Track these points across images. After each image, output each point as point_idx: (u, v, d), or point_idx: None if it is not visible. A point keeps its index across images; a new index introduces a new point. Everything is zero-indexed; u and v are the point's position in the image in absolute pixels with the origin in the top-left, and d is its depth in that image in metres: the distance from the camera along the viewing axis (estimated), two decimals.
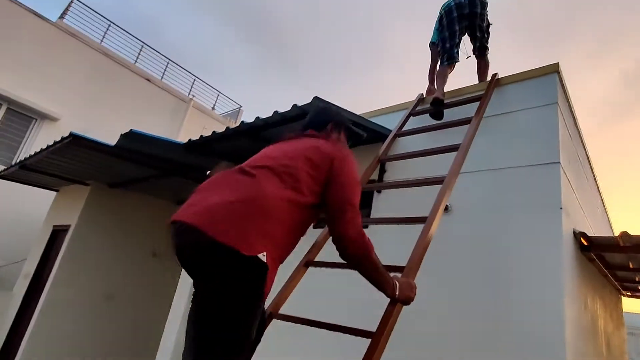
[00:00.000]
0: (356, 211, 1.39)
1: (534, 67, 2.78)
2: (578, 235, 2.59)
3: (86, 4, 10.08)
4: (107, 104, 9.20)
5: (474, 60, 3.40)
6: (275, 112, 2.96)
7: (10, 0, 7.95)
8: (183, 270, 4.20)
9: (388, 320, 1.41)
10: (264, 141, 2.81)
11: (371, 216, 3.05)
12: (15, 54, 7.89)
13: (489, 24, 3.28)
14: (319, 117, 1.74)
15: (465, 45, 3.35)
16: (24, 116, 7.98)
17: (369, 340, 1.42)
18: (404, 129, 3.04)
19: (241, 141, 3.56)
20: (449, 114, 3.02)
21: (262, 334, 1.45)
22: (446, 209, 2.63)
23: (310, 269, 2.01)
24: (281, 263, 1.35)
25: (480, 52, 3.21)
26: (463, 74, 3.34)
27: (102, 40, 10.08)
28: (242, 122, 3.26)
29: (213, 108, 13.08)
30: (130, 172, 4.95)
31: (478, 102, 2.76)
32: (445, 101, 3.01)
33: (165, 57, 11.82)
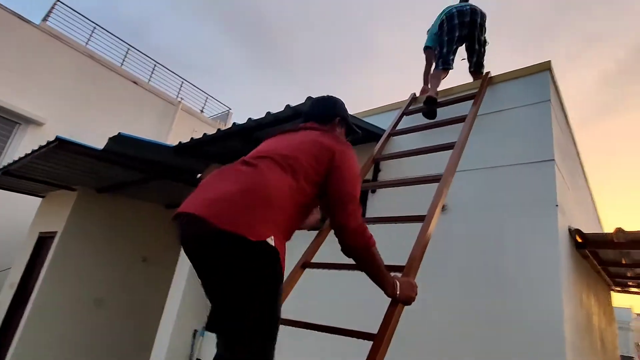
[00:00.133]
0: (357, 203, 1.39)
1: (526, 66, 2.80)
2: (573, 233, 2.60)
3: (70, 6, 9.91)
4: (94, 108, 9.04)
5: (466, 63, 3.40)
6: (268, 113, 2.92)
7: None
8: (175, 275, 4.14)
9: (389, 321, 1.38)
10: (256, 143, 2.77)
11: (366, 216, 3.03)
12: None
13: (486, 40, 3.29)
14: (326, 111, 1.71)
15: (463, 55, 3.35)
16: (7, 121, 7.78)
17: (369, 342, 1.39)
18: (397, 128, 3.02)
19: (233, 143, 3.51)
20: (442, 114, 3.01)
21: None
22: (443, 208, 2.61)
23: (308, 270, 1.97)
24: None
25: (477, 69, 3.20)
26: (455, 74, 3.33)
27: (87, 43, 9.90)
28: (234, 123, 3.21)
29: (202, 111, 12.95)
30: (118, 176, 4.85)
31: (470, 101, 2.76)
32: (439, 100, 3.00)
33: (152, 59, 11.67)
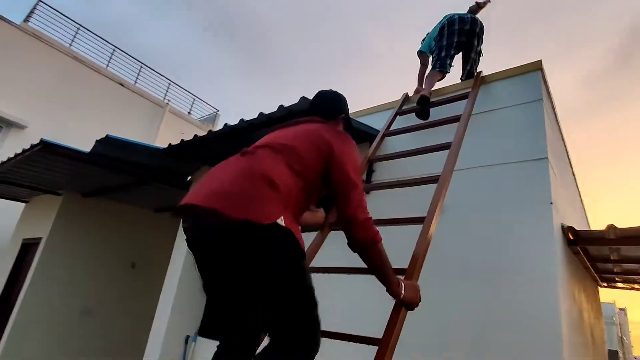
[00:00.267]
0: (361, 193, 1.39)
1: (517, 65, 2.82)
2: (566, 230, 2.62)
3: (52, 7, 9.69)
4: (79, 110, 8.85)
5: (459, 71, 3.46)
6: (261, 113, 2.88)
7: None
8: (166, 280, 4.06)
9: (394, 325, 1.36)
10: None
11: None
12: None
13: (481, 51, 3.36)
14: (332, 106, 1.71)
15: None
16: None
17: (369, 347, 1.38)
18: (391, 128, 3.01)
19: (224, 145, 3.45)
20: (434, 114, 3.02)
21: None
22: None
23: None
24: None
25: (468, 77, 3.26)
26: (447, 77, 3.36)
27: (70, 44, 9.70)
28: (226, 124, 3.16)
29: (189, 113, 12.81)
30: (106, 180, 4.75)
31: (463, 100, 2.77)
32: (432, 100, 3.01)
33: (138, 60, 11.50)
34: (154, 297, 4.01)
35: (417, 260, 1.58)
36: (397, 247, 2.09)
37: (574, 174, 4.24)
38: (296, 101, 2.76)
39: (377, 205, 3.02)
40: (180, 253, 3.93)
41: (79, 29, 10.13)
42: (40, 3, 9.51)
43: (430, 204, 1.89)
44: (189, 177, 4.36)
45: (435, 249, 2.24)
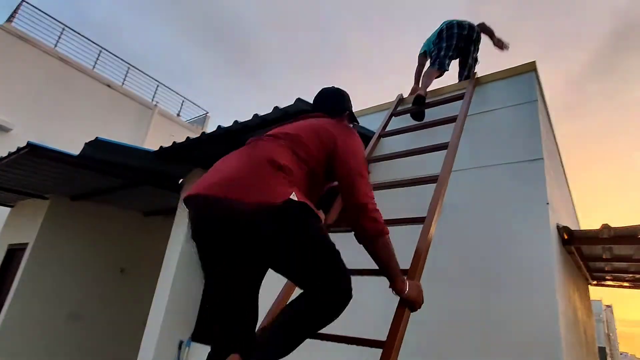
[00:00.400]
0: (368, 183, 1.39)
1: (511, 66, 2.83)
2: (561, 230, 2.64)
3: (36, 7, 9.49)
4: (65, 112, 8.67)
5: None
6: (255, 115, 2.85)
7: None
8: (158, 284, 3.99)
9: (398, 325, 1.34)
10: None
11: None
12: None
13: (477, 58, 3.42)
14: (337, 105, 1.72)
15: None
16: None
17: (370, 350, 1.36)
18: (386, 129, 3.00)
19: (217, 147, 3.40)
20: (429, 116, 3.01)
21: None
22: None
23: None
24: None
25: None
26: (442, 78, 3.39)
27: (56, 45, 9.51)
28: (219, 126, 3.12)
29: (178, 115, 12.66)
30: (94, 183, 4.65)
31: (458, 101, 2.77)
32: (427, 101, 3.01)
33: (125, 62, 11.32)
34: (144, 302, 3.93)
35: (419, 259, 1.56)
36: (395, 248, 2.08)
37: (565, 173, 4.29)
38: (291, 103, 2.73)
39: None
40: (173, 256, 3.86)
41: (64, 29, 9.94)
42: (24, 3, 9.31)
43: (430, 204, 1.88)
44: (181, 180, 4.29)
45: (433, 250, 2.22)
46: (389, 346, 1.30)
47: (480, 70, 3.14)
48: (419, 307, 1.45)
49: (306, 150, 1.35)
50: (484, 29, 3.40)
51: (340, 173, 1.37)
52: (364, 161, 1.48)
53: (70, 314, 5.19)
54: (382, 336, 1.38)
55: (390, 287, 1.39)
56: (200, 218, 1.25)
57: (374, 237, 1.33)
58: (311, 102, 2.55)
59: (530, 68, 2.73)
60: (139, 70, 11.58)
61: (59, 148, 3.73)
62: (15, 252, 5.38)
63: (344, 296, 1.24)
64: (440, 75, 3.23)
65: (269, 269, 1.37)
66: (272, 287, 1.57)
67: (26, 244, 5.13)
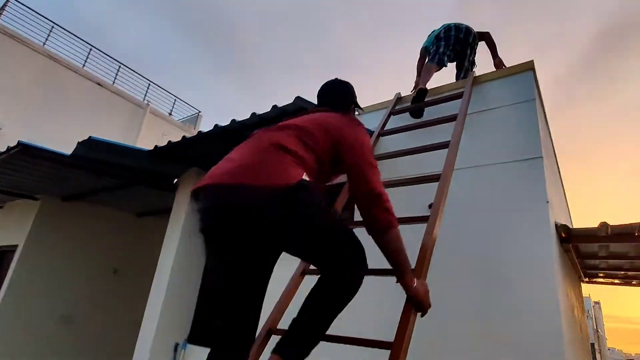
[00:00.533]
0: (377, 172, 1.39)
1: (510, 65, 2.84)
2: (560, 228, 2.65)
3: (25, 4, 9.30)
4: (55, 111, 8.52)
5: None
6: (253, 113, 2.81)
7: None
8: (153, 285, 3.92)
9: (406, 325, 1.33)
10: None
11: (355, 219, 2.97)
12: None
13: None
14: (343, 99, 1.69)
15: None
16: None
17: (372, 349, 1.34)
18: (385, 128, 2.99)
19: (213, 146, 3.35)
20: (428, 115, 3.01)
21: None
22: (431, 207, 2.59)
23: (308, 277, 1.88)
24: None
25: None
26: (439, 77, 3.43)
27: (45, 43, 9.33)
28: (216, 125, 3.08)
29: (170, 114, 12.53)
30: (86, 184, 4.56)
31: (457, 100, 2.77)
32: (426, 99, 3.00)
33: (116, 60, 11.16)
34: (138, 303, 3.87)
35: (425, 258, 1.55)
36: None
37: (559, 171, 4.32)
38: (290, 101, 2.71)
39: None
40: (168, 257, 3.80)
41: (53, 27, 9.76)
42: (11, 0, 9.12)
43: (433, 202, 1.87)
44: (176, 180, 4.23)
45: (434, 249, 2.23)
46: (397, 347, 1.29)
47: (478, 68, 3.15)
48: (427, 309, 1.43)
49: (314, 140, 1.35)
50: (489, 41, 3.45)
51: (349, 162, 1.37)
52: (372, 152, 1.47)
53: (62, 317, 5.09)
54: (387, 337, 1.37)
55: (398, 282, 1.38)
56: (211, 208, 1.22)
57: (386, 229, 1.32)
58: (310, 100, 2.54)
59: (528, 67, 2.75)
60: (130, 69, 11.43)
61: (49, 147, 3.65)
62: (4, 254, 5.26)
63: (362, 267, 1.30)
64: (439, 69, 3.28)
65: (275, 266, 1.35)
66: (273, 288, 1.54)
67: (16, 245, 5.02)
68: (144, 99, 11.32)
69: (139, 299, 3.85)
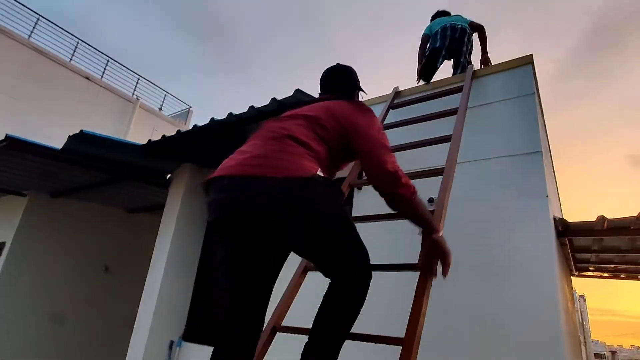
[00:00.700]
0: (391, 151, 1.39)
1: (509, 59, 2.84)
2: (557, 222, 2.67)
3: None
4: (42, 106, 8.32)
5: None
6: (251, 107, 2.77)
7: None
8: (147, 282, 3.85)
9: (416, 322, 1.31)
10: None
11: (352, 214, 2.95)
12: None
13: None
14: (347, 86, 1.67)
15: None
16: None
17: (381, 346, 1.33)
18: (384, 122, 2.96)
19: (208, 141, 3.30)
20: (425, 109, 2.99)
21: None
22: (431, 201, 2.59)
23: (310, 274, 1.86)
24: None
25: None
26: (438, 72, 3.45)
27: (30, 36, 9.10)
28: (212, 118, 3.02)
29: (160, 109, 12.35)
30: (76, 179, 4.46)
31: (456, 95, 2.76)
32: (425, 94, 2.99)
33: (104, 54, 10.94)
34: (131, 301, 3.80)
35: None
36: (398, 244, 2.05)
37: (553, 165, 4.36)
38: (288, 95, 2.66)
39: (371, 200, 3.00)
40: (162, 254, 3.73)
41: (38, 19, 9.52)
42: None
43: (438, 196, 1.87)
44: (169, 176, 4.16)
45: None
46: (409, 342, 1.27)
47: (475, 65, 3.14)
48: (450, 261, 1.50)
49: (324, 129, 1.35)
50: (481, 36, 3.48)
51: (364, 148, 1.36)
52: (384, 134, 1.47)
53: (52, 315, 4.99)
54: (395, 333, 1.36)
55: (423, 231, 1.45)
56: (223, 200, 1.19)
57: (410, 199, 1.35)
58: (309, 93, 2.50)
59: (526, 61, 2.74)
60: (119, 63, 11.22)
61: (38, 141, 3.55)
62: None
63: (366, 274, 1.26)
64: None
65: (282, 265, 1.32)
66: (276, 285, 1.51)
67: (3, 243, 4.90)
68: (133, 94, 11.13)
69: (131, 297, 3.78)
